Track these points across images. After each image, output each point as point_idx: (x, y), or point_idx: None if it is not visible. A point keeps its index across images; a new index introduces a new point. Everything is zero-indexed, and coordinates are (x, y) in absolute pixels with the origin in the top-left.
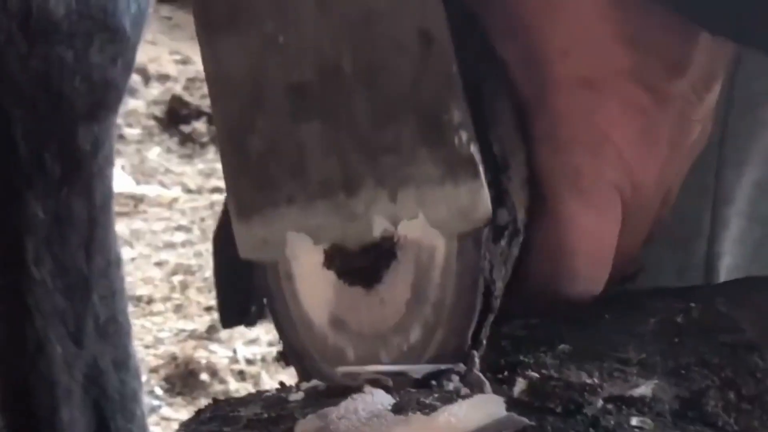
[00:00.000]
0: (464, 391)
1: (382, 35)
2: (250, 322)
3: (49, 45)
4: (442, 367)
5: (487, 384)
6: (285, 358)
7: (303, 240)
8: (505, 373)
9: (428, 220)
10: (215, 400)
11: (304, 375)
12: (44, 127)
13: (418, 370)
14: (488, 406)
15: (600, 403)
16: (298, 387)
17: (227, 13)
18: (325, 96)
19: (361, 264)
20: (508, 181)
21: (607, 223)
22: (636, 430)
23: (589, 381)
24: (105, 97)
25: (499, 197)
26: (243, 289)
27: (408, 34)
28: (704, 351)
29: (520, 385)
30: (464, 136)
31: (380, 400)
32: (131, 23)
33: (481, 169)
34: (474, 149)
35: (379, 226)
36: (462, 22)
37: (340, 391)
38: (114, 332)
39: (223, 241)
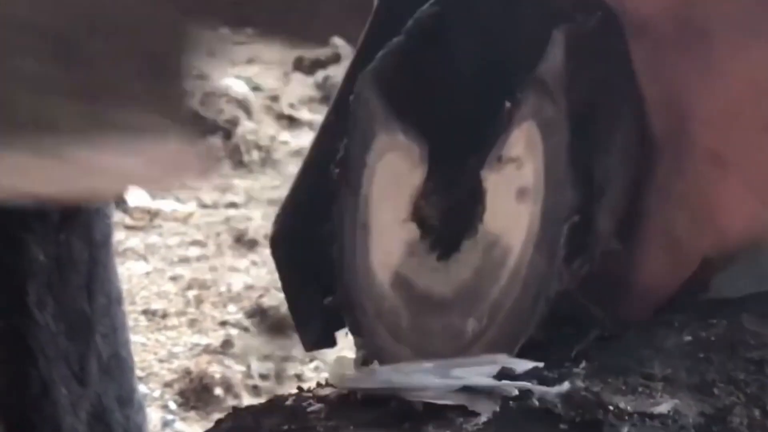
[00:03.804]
0: None
1: None
2: (330, 344)
3: None
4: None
5: None
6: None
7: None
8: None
9: (135, 172)
10: (235, 409)
11: (351, 326)
12: None
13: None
14: None
15: (624, 420)
16: (315, 394)
17: None
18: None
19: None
20: (598, 209)
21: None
22: None
23: (613, 397)
24: None
25: (584, 222)
26: (317, 312)
27: None
28: (730, 367)
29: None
30: (189, 88)
31: None
32: None
33: (199, 127)
34: (195, 108)
35: None
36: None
37: (361, 401)
38: (117, 368)
39: (288, 268)
